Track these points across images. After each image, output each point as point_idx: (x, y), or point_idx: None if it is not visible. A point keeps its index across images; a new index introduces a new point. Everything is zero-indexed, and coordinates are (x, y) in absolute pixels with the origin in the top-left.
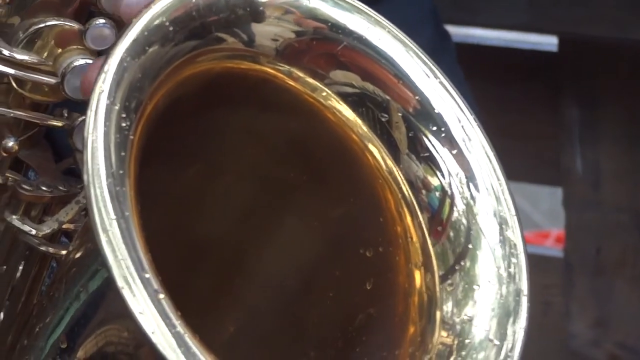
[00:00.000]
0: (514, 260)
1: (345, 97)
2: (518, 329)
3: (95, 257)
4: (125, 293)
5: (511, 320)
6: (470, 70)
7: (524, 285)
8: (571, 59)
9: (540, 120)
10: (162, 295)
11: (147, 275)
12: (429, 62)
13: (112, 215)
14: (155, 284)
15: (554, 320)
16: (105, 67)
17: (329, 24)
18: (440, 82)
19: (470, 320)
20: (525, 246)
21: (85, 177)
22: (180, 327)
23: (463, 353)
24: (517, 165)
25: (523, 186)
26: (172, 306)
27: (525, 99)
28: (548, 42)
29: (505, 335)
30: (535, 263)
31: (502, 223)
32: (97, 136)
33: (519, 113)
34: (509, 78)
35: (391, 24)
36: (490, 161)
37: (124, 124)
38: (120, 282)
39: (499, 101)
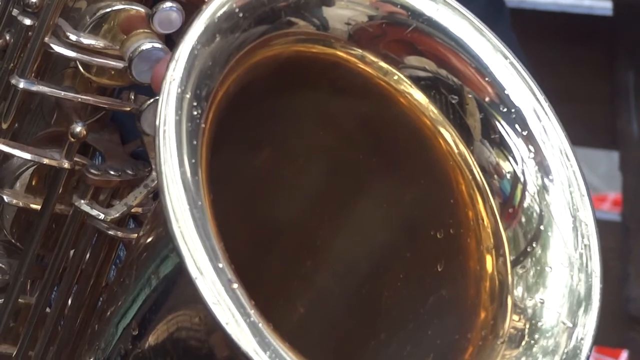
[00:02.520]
0: (585, 241)
1: (417, 81)
2: (590, 311)
3: (166, 242)
4: (199, 283)
5: (583, 302)
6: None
7: (597, 266)
8: (626, 23)
9: (595, 84)
10: (235, 285)
11: (220, 265)
12: (498, 43)
13: (185, 205)
14: (229, 274)
15: (611, 285)
16: (176, 56)
17: (399, 6)
18: (511, 63)
19: (542, 304)
20: (596, 226)
21: (157, 167)
22: (254, 317)
23: (536, 336)
24: (573, 130)
25: (579, 150)
26: (246, 295)
27: (580, 64)
28: (603, 6)
29: (578, 317)
30: None
31: (573, 206)
32: (169, 126)
33: (574, 77)
34: (563, 43)
35: (458, 4)
36: (561, 141)
37: (195, 112)
38: (194, 272)
39: (554, 66)
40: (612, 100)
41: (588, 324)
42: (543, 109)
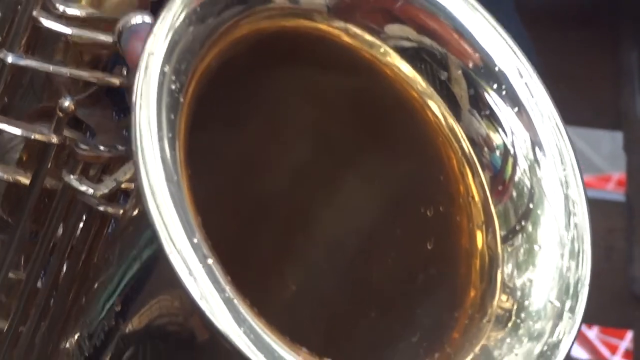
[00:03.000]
0: (575, 220)
1: (402, 52)
2: (581, 291)
3: (147, 220)
4: (174, 258)
5: (573, 282)
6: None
7: (587, 246)
8: (630, 2)
9: (599, 64)
10: (211, 260)
11: (195, 240)
12: (488, 16)
13: (162, 180)
14: (205, 249)
15: (617, 265)
16: (155, 29)
17: None
18: (501, 37)
19: (531, 282)
20: (587, 204)
21: (133, 141)
22: (229, 292)
23: (522, 315)
24: (576, 110)
25: (583, 130)
26: (222, 271)
27: (584, 44)
28: None
29: (568, 297)
30: (597, 207)
31: (565, 183)
32: (146, 99)
33: (578, 57)
34: (567, 23)
35: None
36: (554, 118)
37: (173, 87)
38: (168, 248)
39: (557, 46)
40: (616, 81)
41: (580, 294)
42: (533, 80)
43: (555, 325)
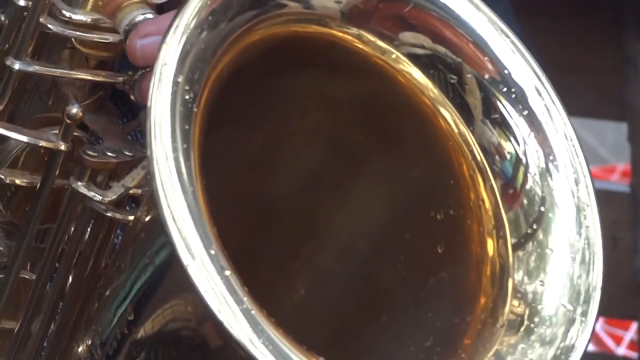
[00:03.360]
0: (586, 223)
1: (415, 59)
2: (593, 295)
3: (161, 228)
4: (191, 270)
5: (585, 287)
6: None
7: (598, 249)
8: None
9: (603, 54)
10: (228, 272)
11: (212, 251)
12: (497, 21)
13: (178, 191)
14: (222, 260)
15: (622, 255)
16: (168, 39)
17: None
18: (512, 42)
19: (543, 288)
20: (597, 209)
21: (149, 152)
22: (247, 303)
23: (535, 319)
24: (581, 101)
25: (588, 121)
26: (239, 282)
27: (588, 34)
28: None
29: (579, 302)
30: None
31: (576, 188)
32: (160, 110)
33: (582, 47)
34: (571, 12)
35: None
36: (564, 123)
37: (187, 97)
38: (185, 260)
39: (562, 36)
40: (621, 71)
41: (592, 299)
42: (545, 88)
43: (567, 330)
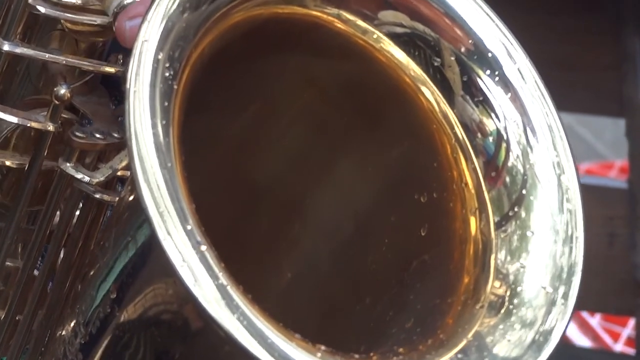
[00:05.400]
0: (569, 206)
1: (395, 38)
2: (573, 278)
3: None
4: (166, 245)
5: (566, 268)
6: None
7: (580, 232)
8: None
9: (602, 50)
10: (204, 247)
11: (189, 227)
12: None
13: (156, 166)
14: (198, 235)
15: (620, 252)
16: (149, 16)
17: None
18: (493, 21)
19: (524, 269)
20: (581, 191)
21: (126, 127)
22: (223, 279)
23: (515, 301)
24: (579, 97)
25: (586, 117)
26: (215, 257)
27: (587, 31)
28: None
29: (560, 284)
30: (600, 195)
31: (558, 169)
32: (140, 86)
33: (581, 44)
34: (570, 8)
35: None
36: (547, 104)
37: (167, 74)
38: (161, 234)
39: (561, 32)
40: (619, 67)
41: (573, 281)
42: (526, 65)
43: (548, 312)
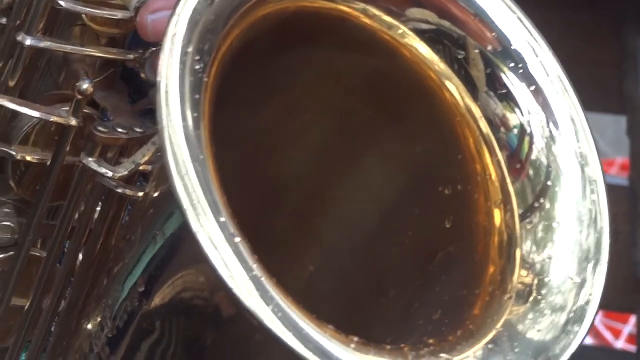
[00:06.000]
0: (594, 197)
1: (421, 34)
2: (599, 267)
3: (171, 199)
4: (201, 237)
5: (592, 258)
6: None
7: (605, 223)
8: None
9: (603, 48)
10: (238, 239)
11: (222, 219)
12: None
13: (187, 158)
14: (232, 227)
15: (621, 249)
16: (178, 10)
17: None
18: (517, 17)
19: (550, 259)
20: (605, 181)
21: (158, 121)
22: (257, 271)
23: (543, 291)
24: (580, 94)
25: (587, 114)
26: (248, 249)
27: (588, 28)
28: None
29: (586, 273)
30: None
31: (582, 160)
32: (171, 79)
33: (582, 41)
34: (572, 5)
35: None
36: (569, 96)
37: (197, 66)
38: (195, 227)
39: (562, 29)
40: (620, 65)
41: (597, 281)
42: (548, 59)
43: (577, 295)
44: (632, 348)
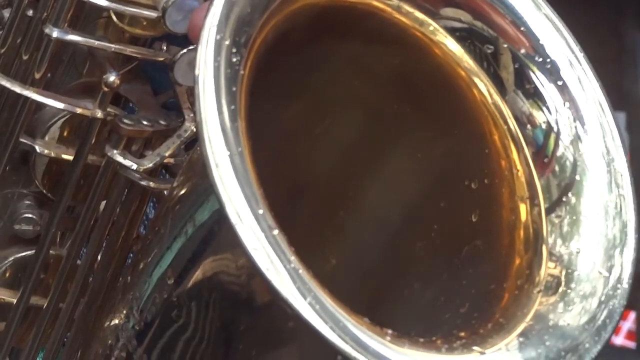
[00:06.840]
0: (620, 191)
1: (452, 32)
2: (626, 260)
3: (203, 191)
4: (239, 229)
5: (618, 251)
6: None
7: (631, 216)
8: None
9: (602, 44)
10: (276, 231)
11: (260, 211)
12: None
13: (225, 151)
14: (269, 220)
15: None
16: (215, 2)
17: None
18: (545, 14)
19: (578, 252)
20: (631, 176)
21: (197, 113)
22: (295, 263)
23: (572, 285)
24: None
25: None
26: (286, 242)
27: (587, 23)
28: None
29: (613, 266)
30: None
31: (609, 155)
32: (208, 72)
33: (581, 38)
34: (571, 1)
35: None
36: (595, 92)
37: (234, 59)
38: (234, 219)
39: None
40: (619, 61)
41: (625, 264)
42: (578, 59)
43: (606, 284)
44: (631, 344)
